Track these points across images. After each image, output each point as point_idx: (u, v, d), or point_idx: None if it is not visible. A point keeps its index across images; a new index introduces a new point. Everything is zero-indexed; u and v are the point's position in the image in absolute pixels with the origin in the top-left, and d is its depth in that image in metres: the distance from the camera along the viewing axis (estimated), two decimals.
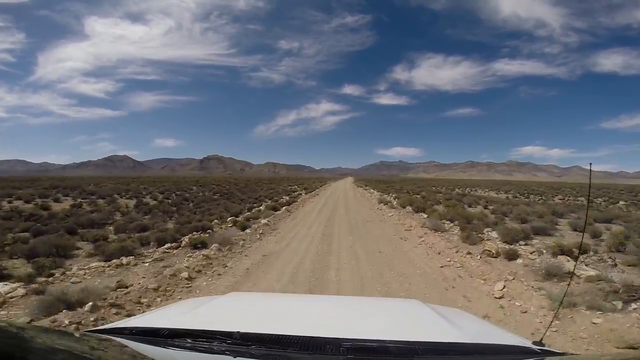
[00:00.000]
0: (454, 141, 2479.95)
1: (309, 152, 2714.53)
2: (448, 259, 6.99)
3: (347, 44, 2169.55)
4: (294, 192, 31.42)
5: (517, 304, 4.55)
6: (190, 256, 6.99)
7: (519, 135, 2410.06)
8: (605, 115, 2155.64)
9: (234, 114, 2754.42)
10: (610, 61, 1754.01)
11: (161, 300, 4.68)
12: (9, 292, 4.65)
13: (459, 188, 49.30)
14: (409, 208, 15.58)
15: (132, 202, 20.30)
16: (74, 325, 3.54)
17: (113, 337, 1.08)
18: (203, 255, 6.89)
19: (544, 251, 7.04)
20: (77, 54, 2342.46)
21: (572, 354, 1.47)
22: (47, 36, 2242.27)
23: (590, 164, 1.81)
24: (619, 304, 3.99)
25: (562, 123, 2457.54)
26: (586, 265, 5.50)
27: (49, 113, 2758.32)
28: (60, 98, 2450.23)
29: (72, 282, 5.32)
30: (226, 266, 6.60)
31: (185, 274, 5.62)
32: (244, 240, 8.78)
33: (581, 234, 9.80)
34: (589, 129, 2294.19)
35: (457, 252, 7.33)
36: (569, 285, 3.52)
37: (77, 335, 1.07)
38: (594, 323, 3.65)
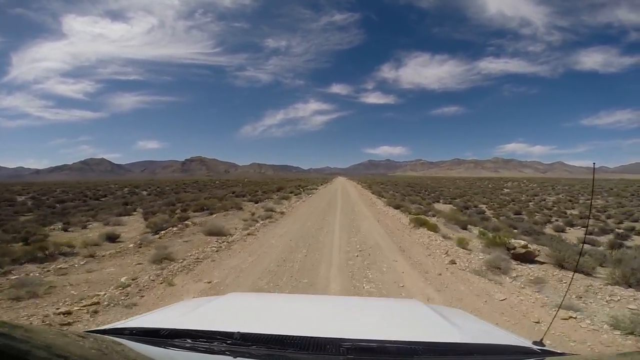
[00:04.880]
0: (440, 139, 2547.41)
1: (297, 152, 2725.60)
2: None
3: (336, 43, 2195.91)
4: None
5: None
6: None
7: (503, 133, 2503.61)
8: (585, 112, 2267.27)
9: (220, 114, 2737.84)
10: (591, 59, 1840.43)
11: None
12: None
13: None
14: None
15: None
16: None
17: (113, 337, 1.09)
18: None
19: None
20: (54, 53, 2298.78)
21: (572, 354, 1.46)
22: (22, 35, 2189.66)
23: (594, 163, 1.84)
24: None
25: (544, 120, 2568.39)
26: None
27: (24, 115, 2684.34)
28: (37, 99, 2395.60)
29: None
30: None
31: None
32: None
33: None
34: (569, 125, 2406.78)
35: None
36: (568, 288, 3.43)
37: (77, 335, 1.08)
38: None
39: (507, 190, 45.74)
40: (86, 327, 3.87)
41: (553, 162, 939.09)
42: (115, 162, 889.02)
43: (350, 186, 51.53)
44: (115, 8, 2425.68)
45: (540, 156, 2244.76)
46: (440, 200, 29.89)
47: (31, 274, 5.90)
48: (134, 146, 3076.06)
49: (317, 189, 39.50)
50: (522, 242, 7.02)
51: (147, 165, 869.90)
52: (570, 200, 33.30)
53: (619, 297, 4.48)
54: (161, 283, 5.30)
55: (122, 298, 4.68)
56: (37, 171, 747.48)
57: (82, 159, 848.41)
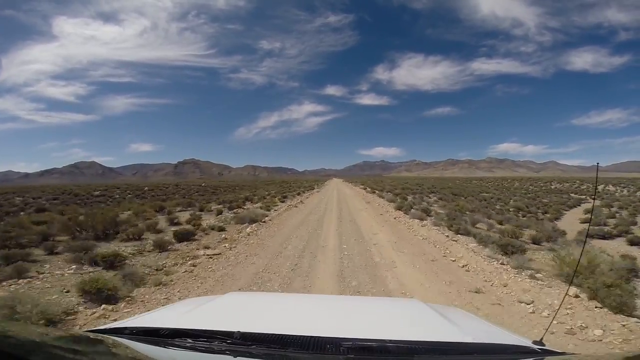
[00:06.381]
0: (434, 140, 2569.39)
1: (292, 154, 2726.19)
2: None
3: (330, 44, 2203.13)
4: None
5: None
6: None
7: (496, 133, 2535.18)
8: (576, 112, 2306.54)
9: (214, 116, 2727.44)
10: (582, 59, 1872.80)
11: None
12: None
13: None
14: None
15: None
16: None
17: (113, 337, 1.08)
18: None
19: None
20: (45, 55, 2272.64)
21: (572, 354, 1.47)
22: (12, 37, 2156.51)
23: (598, 163, 1.80)
24: None
25: (536, 120, 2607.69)
26: None
27: (15, 118, 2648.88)
28: (27, 102, 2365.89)
29: None
30: None
31: None
32: None
33: None
34: (560, 125, 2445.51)
35: None
36: (570, 285, 3.39)
37: (77, 335, 1.11)
38: None
39: (576, 195, 35.57)
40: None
41: (546, 162, 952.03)
42: (107, 166, 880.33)
43: (354, 197, 28.86)
44: (107, 10, 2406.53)
45: (533, 156, 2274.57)
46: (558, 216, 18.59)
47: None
48: (127, 149, 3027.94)
49: (276, 208, 17.90)
50: None
51: (139, 168, 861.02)
52: None
53: None
54: None
55: None
56: (26, 175, 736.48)
57: (73, 162, 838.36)
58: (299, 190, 38.15)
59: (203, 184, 57.74)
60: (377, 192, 33.49)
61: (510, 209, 20.68)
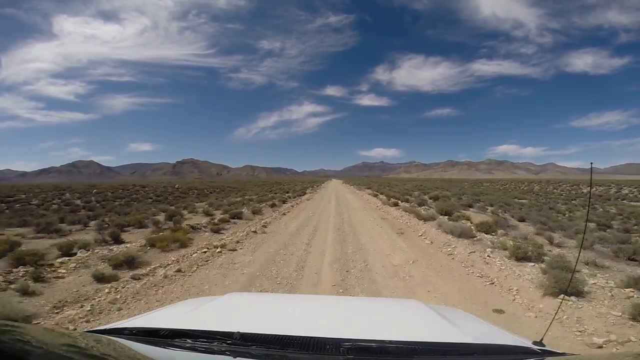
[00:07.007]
0: (433, 141, 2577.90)
1: (291, 154, 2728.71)
2: None
3: (330, 45, 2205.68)
4: None
5: None
6: None
7: (495, 134, 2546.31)
8: (575, 114, 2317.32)
9: (213, 116, 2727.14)
10: (582, 61, 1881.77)
11: None
12: None
13: None
14: None
15: None
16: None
17: (113, 337, 1.09)
18: None
19: None
20: (45, 54, 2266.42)
21: (572, 354, 1.44)
22: (12, 35, 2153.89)
23: (592, 163, 1.77)
24: None
25: (535, 122, 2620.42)
26: None
27: (14, 117, 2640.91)
28: (27, 101, 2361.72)
29: None
30: None
31: None
32: None
33: None
34: (560, 127, 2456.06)
35: None
36: (569, 284, 3.29)
37: (77, 335, 1.10)
38: None
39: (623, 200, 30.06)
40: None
41: (545, 164, 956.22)
42: (105, 165, 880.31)
43: (363, 212, 16.41)
44: (108, 9, 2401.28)
45: (532, 157, 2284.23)
46: None
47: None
48: (126, 148, 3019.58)
49: (191, 252, 7.21)
50: None
51: (138, 167, 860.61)
52: None
53: None
54: None
55: None
56: (24, 174, 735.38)
57: (72, 162, 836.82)
58: (284, 197, 25.75)
59: (176, 186, 50.99)
60: (400, 202, 19.11)
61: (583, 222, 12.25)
